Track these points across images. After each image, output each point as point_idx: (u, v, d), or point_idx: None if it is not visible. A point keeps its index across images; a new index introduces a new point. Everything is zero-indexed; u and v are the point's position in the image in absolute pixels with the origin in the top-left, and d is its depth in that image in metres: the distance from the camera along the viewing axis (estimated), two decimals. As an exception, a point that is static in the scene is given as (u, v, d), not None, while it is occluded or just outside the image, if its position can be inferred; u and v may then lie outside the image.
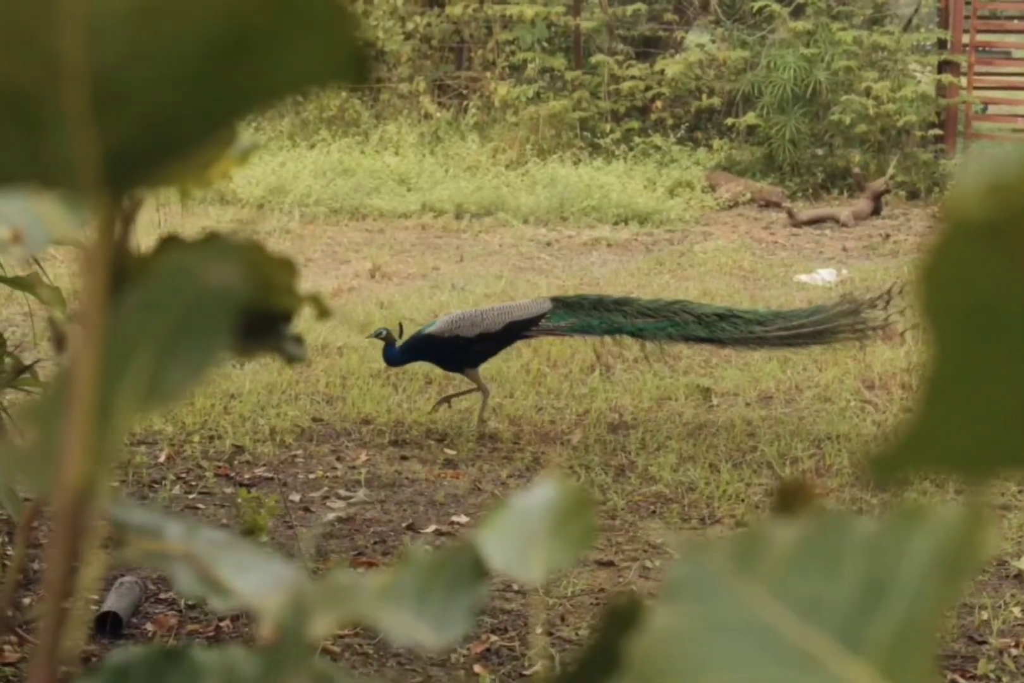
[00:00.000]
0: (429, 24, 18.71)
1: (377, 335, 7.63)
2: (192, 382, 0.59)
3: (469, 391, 8.00)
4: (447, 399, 7.96)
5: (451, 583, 0.68)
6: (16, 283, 4.79)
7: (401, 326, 7.75)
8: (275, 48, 0.56)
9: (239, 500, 5.73)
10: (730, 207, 15.95)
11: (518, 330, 7.95)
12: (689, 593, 0.53)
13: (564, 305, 7.97)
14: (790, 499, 0.59)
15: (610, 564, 6.07)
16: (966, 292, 0.44)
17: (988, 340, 0.45)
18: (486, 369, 8.67)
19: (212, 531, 0.85)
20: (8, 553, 5.92)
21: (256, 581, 0.82)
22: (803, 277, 12.20)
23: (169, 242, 0.80)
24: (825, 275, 12.15)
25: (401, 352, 7.70)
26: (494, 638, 5.33)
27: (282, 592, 0.74)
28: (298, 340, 0.88)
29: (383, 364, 8.72)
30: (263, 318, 0.85)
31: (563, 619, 5.51)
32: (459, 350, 7.70)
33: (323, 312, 0.87)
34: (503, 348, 8.14)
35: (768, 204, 16.07)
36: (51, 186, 0.61)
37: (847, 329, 7.95)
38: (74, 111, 0.56)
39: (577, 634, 5.36)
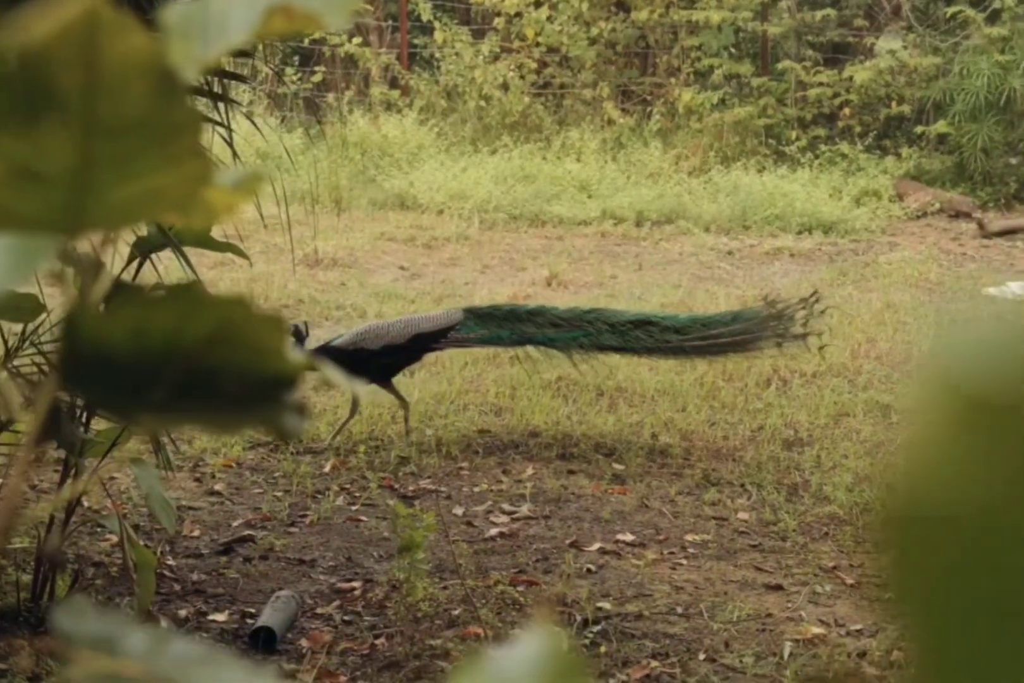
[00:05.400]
0: (614, 29, 18.56)
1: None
2: None
3: (346, 423, 7.61)
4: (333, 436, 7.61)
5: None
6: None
7: (306, 325, 7.50)
8: None
9: (397, 516, 5.61)
10: (918, 217, 15.59)
11: (425, 342, 7.78)
12: None
13: (476, 316, 7.82)
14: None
15: (779, 588, 5.85)
16: (949, 560, 0.28)
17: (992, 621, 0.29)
18: (650, 381, 8.50)
19: (185, 645, 0.70)
20: (168, 562, 5.88)
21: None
22: (992, 290, 11.82)
23: (119, 290, 0.66)
24: (1016, 289, 11.76)
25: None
26: (654, 664, 5.14)
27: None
28: (299, 409, 0.72)
29: (554, 374, 8.58)
30: (252, 384, 0.70)
31: (727, 645, 5.30)
32: (364, 363, 7.46)
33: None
34: (413, 361, 7.99)
35: (958, 214, 15.67)
36: None
37: (767, 338, 7.72)
38: None
39: (741, 662, 5.15)
